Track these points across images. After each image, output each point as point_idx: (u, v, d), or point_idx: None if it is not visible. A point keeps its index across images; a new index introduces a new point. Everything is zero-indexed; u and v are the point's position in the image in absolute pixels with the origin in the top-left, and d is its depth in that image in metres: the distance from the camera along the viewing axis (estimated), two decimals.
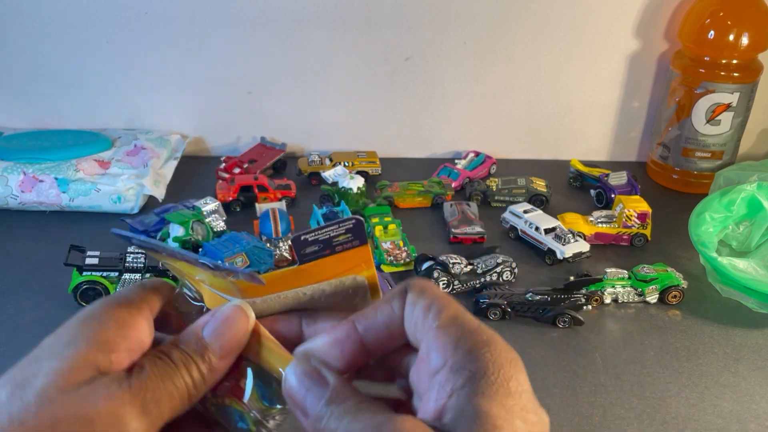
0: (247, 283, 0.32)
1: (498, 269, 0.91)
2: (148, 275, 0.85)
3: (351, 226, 0.33)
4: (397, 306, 0.32)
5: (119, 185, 1.04)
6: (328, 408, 0.29)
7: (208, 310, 0.34)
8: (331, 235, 0.33)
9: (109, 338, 0.30)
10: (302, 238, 0.32)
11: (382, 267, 0.93)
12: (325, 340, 0.32)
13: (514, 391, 0.27)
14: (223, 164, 1.14)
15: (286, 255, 0.93)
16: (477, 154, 1.22)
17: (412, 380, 0.32)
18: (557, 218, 1.01)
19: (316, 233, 0.32)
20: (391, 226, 0.98)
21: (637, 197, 1.04)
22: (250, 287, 0.33)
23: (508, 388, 0.27)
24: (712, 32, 1.06)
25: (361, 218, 0.33)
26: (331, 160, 1.17)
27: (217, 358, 0.32)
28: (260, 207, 1.02)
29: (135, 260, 0.86)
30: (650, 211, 1.01)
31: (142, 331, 0.32)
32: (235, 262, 0.84)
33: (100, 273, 0.84)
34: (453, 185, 1.13)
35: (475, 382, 0.27)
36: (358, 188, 1.05)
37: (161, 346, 0.32)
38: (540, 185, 1.12)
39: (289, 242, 0.94)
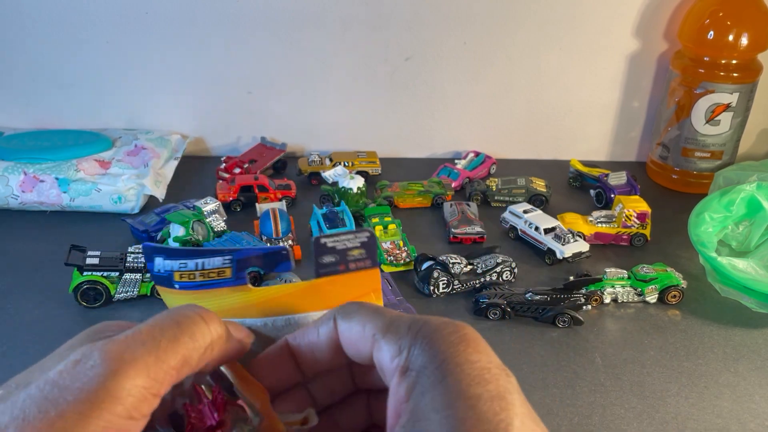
0: (264, 296, 0.33)
1: (498, 269, 0.91)
2: (148, 275, 0.86)
3: (366, 239, 0.34)
4: (328, 327, 0.31)
5: (120, 185, 1.04)
6: None
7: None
8: (347, 245, 0.34)
9: (108, 328, 0.30)
10: (322, 240, 0.33)
11: (382, 267, 0.93)
12: (260, 356, 0.32)
13: (465, 361, 0.26)
14: (224, 164, 1.14)
15: None
16: (477, 154, 1.22)
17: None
18: (557, 218, 1.01)
19: (335, 240, 0.33)
20: (391, 226, 0.98)
21: (637, 197, 1.04)
22: (264, 301, 0.33)
23: (457, 367, 0.26)
24: (711, 32, 1.07)
25: (374, 233, 0.34)
26: (331, 160, 1.17)
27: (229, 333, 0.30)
28: (260, 207, 1.02)
29: (135, 260, 0.86)
30: (650, 211, 1.01)
31: None
32: None
33: (101, 273, 0.84)
34: (453, 185, 1.13)
35: (424, 379, 0.26)
36: (358, 188, 1.05)
37: None
38: (540, 185, 1.12)
39: (290, 242, 0.94)
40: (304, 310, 0.34)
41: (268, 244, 0.92)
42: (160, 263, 0.33)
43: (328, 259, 0.33)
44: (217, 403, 0.31)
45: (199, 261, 0.32)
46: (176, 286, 0.33)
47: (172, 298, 0.33)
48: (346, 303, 0.32)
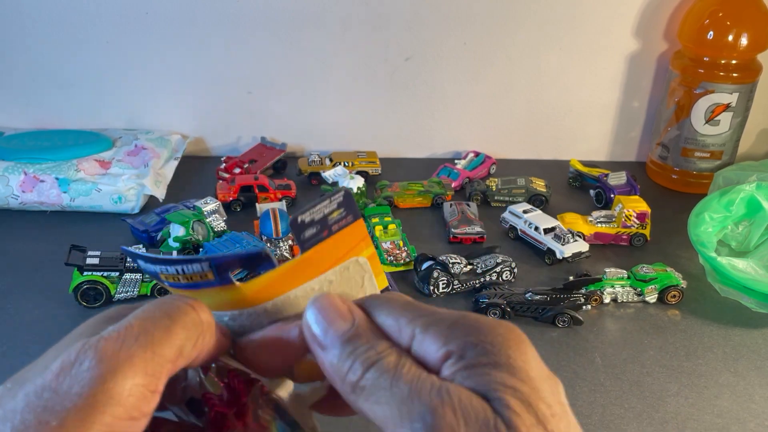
0: (254, 288, 0.32)
1: (498, 269, 0.91)
2: (148, 275, 0.86)
3: (341, 199, 0.33)
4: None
5: (120, 185, 1.04)
6: (350, 344, 0.27)
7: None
8: (326, 212, 0.33)
9: (120, 314, 0.29)
10: (299, 219, 0.32)
11: (383, 267, 0.93)
12: (261, 335, 0.31)
13: (525, 362, 0.27)
14: (224, 164, 1.14)
15: (287, 255, 0.94)
16: (477, 154, 1.22)
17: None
18: (557, 218, 1.01)
19: (311, 212, 0.32)
20: (391, 226, 0.98)
21: (637, 197, 1.04)
22: (257, 292, 0.32)
23: (522, 366, 0.27)
24: (711, 32, 1.07)
25: (349, 189, 0.33)
26: (331, 160, 1.17)
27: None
28: (260, 207, 1.02)
29: None
30: (649, 211, 1.01)
31: None
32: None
33: (101, 273, 0.84)
34: (453, 185, 1.13)
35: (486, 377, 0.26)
36: (358, 188, 1.05)
37: None
38: (539, 185, 1.12)
39: (290, 242, 0.94)
40: (300, 284, 0.33)
41: (268, 245, 0.92)
42: (144, 265, 0.32)
43: (309, 232, 0.32)
44: (234, 387, 0.31)
45: (179, 267, 0.31)
46: (166, 284, 0.33)
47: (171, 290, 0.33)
48: (369, 296, 0.31)
